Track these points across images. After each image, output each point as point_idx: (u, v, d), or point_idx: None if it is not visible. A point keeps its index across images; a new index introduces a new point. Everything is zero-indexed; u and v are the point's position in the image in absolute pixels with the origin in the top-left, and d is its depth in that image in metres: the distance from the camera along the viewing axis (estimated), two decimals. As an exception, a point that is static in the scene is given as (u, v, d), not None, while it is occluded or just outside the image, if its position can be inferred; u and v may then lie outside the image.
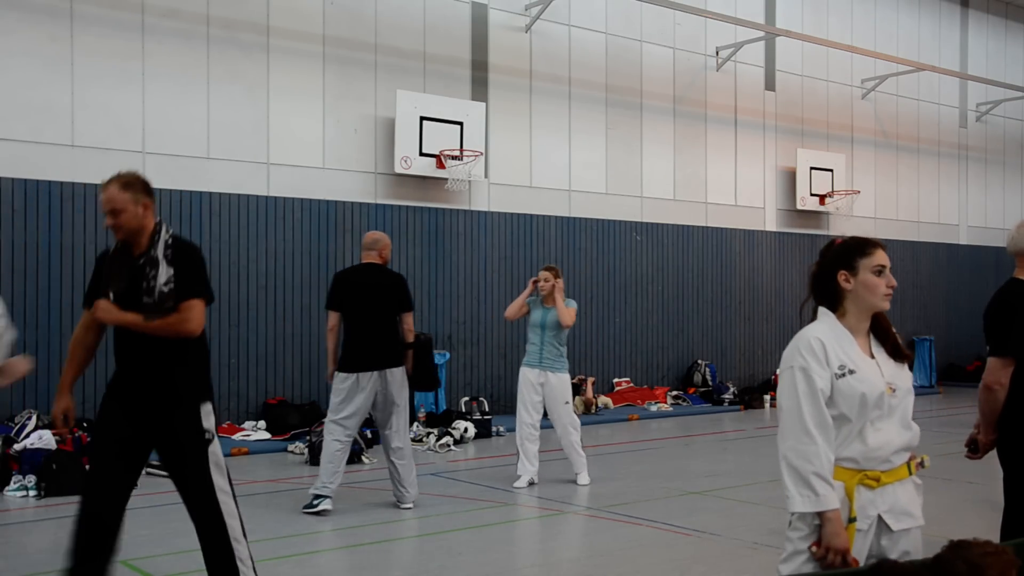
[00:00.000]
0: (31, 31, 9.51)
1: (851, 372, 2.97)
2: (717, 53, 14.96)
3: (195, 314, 4.05)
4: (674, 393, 14.03)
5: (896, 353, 3.12)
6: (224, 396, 10.50)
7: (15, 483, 7.67)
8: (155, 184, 10.86)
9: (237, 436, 10.10)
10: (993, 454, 4.40)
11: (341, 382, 6.94)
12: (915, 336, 17.32)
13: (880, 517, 2.98)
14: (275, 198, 10.91)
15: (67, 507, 7.29)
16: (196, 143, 10.42)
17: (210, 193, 10.47)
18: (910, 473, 3.07)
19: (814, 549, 2.91)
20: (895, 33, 17.60)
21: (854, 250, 3.09)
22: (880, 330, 3.14)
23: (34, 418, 8.83)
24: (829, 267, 3.11)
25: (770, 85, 15.74)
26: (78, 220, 9.68)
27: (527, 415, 8.05)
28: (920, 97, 18.06)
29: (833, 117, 16.67)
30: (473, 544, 6.16)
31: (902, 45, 17.59)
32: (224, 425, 10.41)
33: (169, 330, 4.03)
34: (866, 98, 17.15)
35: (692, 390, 14.26)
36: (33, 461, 7.75)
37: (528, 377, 8.08)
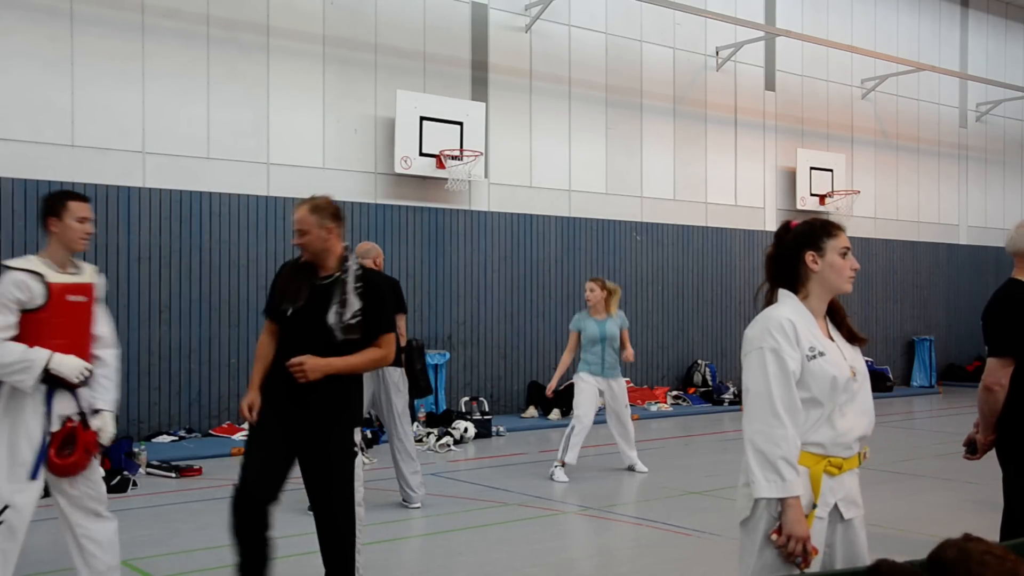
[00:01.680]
0: (31, 31, 9.51)
1: (821, 354, 2.93)
2: (717, 53, 14.96)
3: (392, 347, 4.36)
4: (674, 393, 14.03)
5: (852, 336, 3.09)
6: (224, 396, 10.51)
7: (15, 483, 7.65)
8: (155, 184, 10.85)
9: (237, 436, 10.09)
10: (992, 454, 4.40)
11: None
12: (915, 336, 17.32)
13: (836, 505, 2.96)
14: (275, 198, 10.91)
15: (67, 507, 7.29)
16: (196, 143, 10.42)
17: (210, 193, 10.47)
18: (859, 462, 3.05)
19: (774, 537, 2.86)
20: (895, 33, 17.60)
21: (820, 231, 3.04)
22: (835, 313, 3.11)
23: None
24: (793, 248, 3.05)
25: (770, 85, 15.74)
26: (78, 220, 9.67)
27: (587, 418, 8.43)
28: (920, 97, 18.06)
29: (833, 117, 16.67)
30: (473, 544, 6.16)
31: (902, 45, 17.59)
32: (224, 425, 10.42)
33: (372, 366, 4.39)
34: (866, 98, 17.15)
35: (692, 390, 14.26)
36: (33, 461, 7.74)
37: (592, 383, 8.51)
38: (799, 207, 15.72)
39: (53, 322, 4.17)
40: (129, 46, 10.03)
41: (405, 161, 11.55)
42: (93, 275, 4.43)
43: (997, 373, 4.18)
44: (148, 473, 8.42)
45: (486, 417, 11.30)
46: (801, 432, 2.91)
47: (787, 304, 3.03)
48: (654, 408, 13.26)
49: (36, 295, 4.13)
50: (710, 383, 14.34)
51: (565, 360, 8.70)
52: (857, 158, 16.98)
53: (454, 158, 11.77)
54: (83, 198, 4.39)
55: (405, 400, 7.15)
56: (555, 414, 12.16)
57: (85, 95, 9.77)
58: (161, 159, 10.19)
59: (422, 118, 11.62)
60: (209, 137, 10.50)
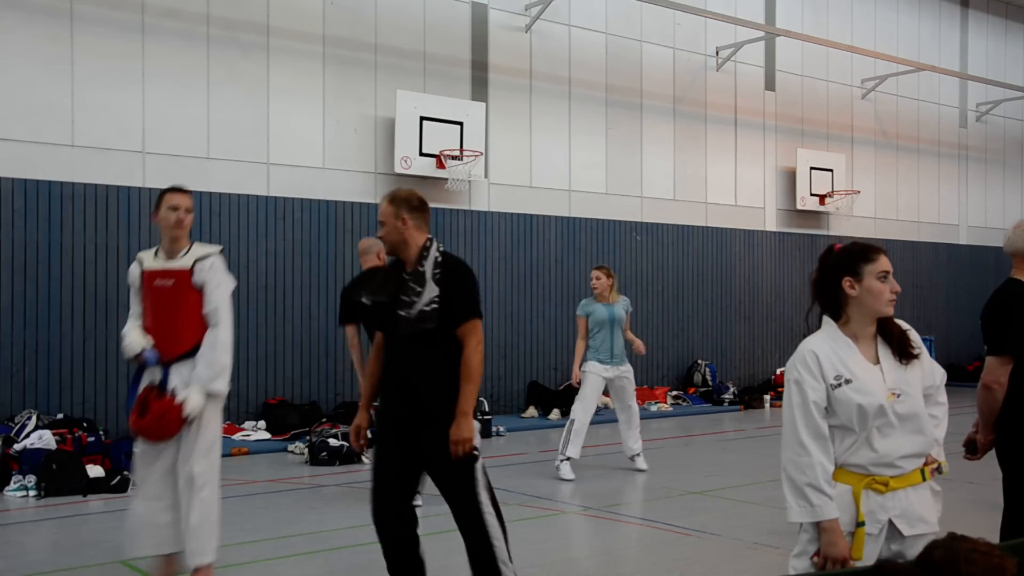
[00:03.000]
0: (31, 31, 9.51)
1: (847, 382, 2.97)
2: (717, 53, 14.96)
3: (479, 335, 4.14)
4: (674, 393, 14.03)
5: (902, 354, 3.09)
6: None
7: (15, 483, 7.67)
8: (155, 184, 10.80)
9: (237, 436, 10.10)
10: (992, 454, 4.40)
11: None
12: (915, 336, 17.30)
13: (891, 522, 2.97)
14: (275, 198, 10.91)
15: (67, 507, 7.31)
16: (196, 143, 10.42)
17: (210, 193, 10.47)
18: (924, 478, 3.05)
19: (815, 560, 2.94)
20: (895, 33, 17.60)
21: (858, 256, 3.09)
22: (887, 333, 3.12)
23: (34, 418, 8.82)
24: (832, 273, 3.10)
25: (770, 85, 15.74)
26: (78, 220, 9.68)
27: (591, 410, 8.57)
28: (920, 97, 18.06)
29: (833, 117, 16.67)
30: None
31: (902, 45, 17.59)
32: (224, 425, 10.39)
33: (480, 365, 4.12)
34: (866, 98, 17.15)
35: (692, 390, 14.26)
36: (33, 461, 7.75)
37: (600, 373, 8.57)
38: (799, 207, 15.72)
39: (145, 304, 4.83)
40: (129, 46, 10.03)
41: (405, 161, 11.54)
42: (193, 260, 4.83)
43: (996, 372, 4.19)
44: (148, 473, 8.40)
45: (486, 417, 11.30)
46: (839, 454, 2.99)
47: (822, 333, 3.10)
48: (654, 408, 13.26)
49: (135, 280, 4.85)
50: (710, 383, 14.33)
51: (580, 347, 8.76)
52: (857, 158, 16.98)
53: (454, 158, 11.77)
54: (178, 189, 4.89)
55: None
56: (555, 414, 12.16)
57: (85, 95, 9.77)
58: (161, 159, 10.19)
59: (422, 118, 11.62)
60: (209, 137, 10.50)
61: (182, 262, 4.76)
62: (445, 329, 4.08)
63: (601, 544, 6.42)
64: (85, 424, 9.11)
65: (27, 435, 8.24)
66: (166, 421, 4.62)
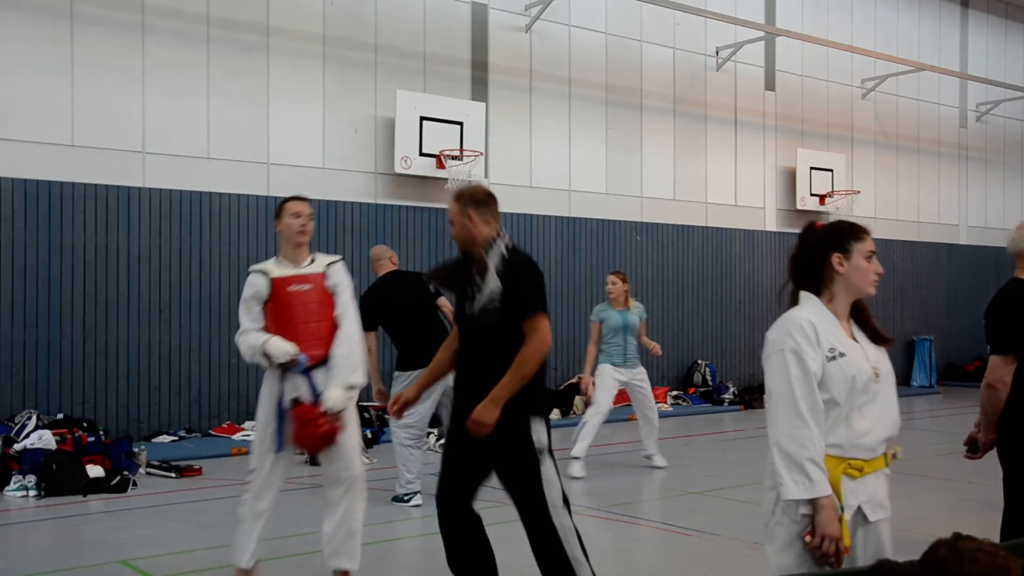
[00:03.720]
0: (31, 31, 9.51)
1: (841, 355, 2.92)
2: (717, 53, 14.96)
3: (542, 333, 4.00)
4: (674, 393, 14.03)
5: (877, 337, 3.09)
6: (224, 396, 10.51)
7: (15, 483, 7.66)
8: (155, 184, 10.78)
9: (237, 436, 10.10)
10: (993, 454, 4.40)
11: (401, 381, 7.24)
12: (915, 336, 17.31)
13: (859, 508, 2.96)
14: (275, 198, 10.88)
15: (67, 507, 7.30)
16: (196, 143, 10.42)
17: (210, 193, 10.47)
18: (887, 464, 3.05)
19: (808, 539, 2.86)
20: (895, 33, 17.60)
21: (847, 233, 3.05)
22: (859, 314, 3.11)
23: (34, 418, 8.83)
24: (819, 249, 3.05)
25: (770, 85, 15.74)
26: (78, 220, 9.68)
27: (601, 414, 8.71)
28: (920, 97, 18.06)
29: (833, 117, 16.67)
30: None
31: (902, 45, 17.59)
32: (224, 425, 10.41)
33: (535, 359, 3.98)
34: (866, 98, 17.15)
35: (692, 390, 14.26)
36: (33, 461, 7.75)
37: (613, 375, 8.74)
38: (799, 207, 15.72)
39: (277, 312, 4.78)
40: (129, 46, 10.03)
41: (405, 161, 11.54)
42: (324, 265, 4.92)
43: (1000, 371, 4.19)
44: (148, 473, 8.42)
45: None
46: (824, 433, 2.92)
47: (808, 306, 3.03)
48: (654, 408, 13.26)
49: (262, 290, 4.79)
50: (710, 383, 14.34)
51: (591, 352, 8.88)
52: (857, 158, 16.98)
53: (454, 158, 11.76)
54: (300, 198, 5.00)
55: None
56: (555, 414, 12.16)
57: (85, 95, 9.77)
58: (161, 159, 10.19)
59: (422, 118, 11.62)
60: (209, 137, 10.50)
61: (314, 267, 4.92)
62: (509, 326, 4.00)
63: (601, 544, 6.42)
64: (85, 424, 9.11)
65: (27, 435, 8.24)
66: (331, 429, 4.67)
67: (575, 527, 4.09)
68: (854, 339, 3.04)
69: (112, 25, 9.95)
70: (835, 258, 3.02)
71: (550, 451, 4.09)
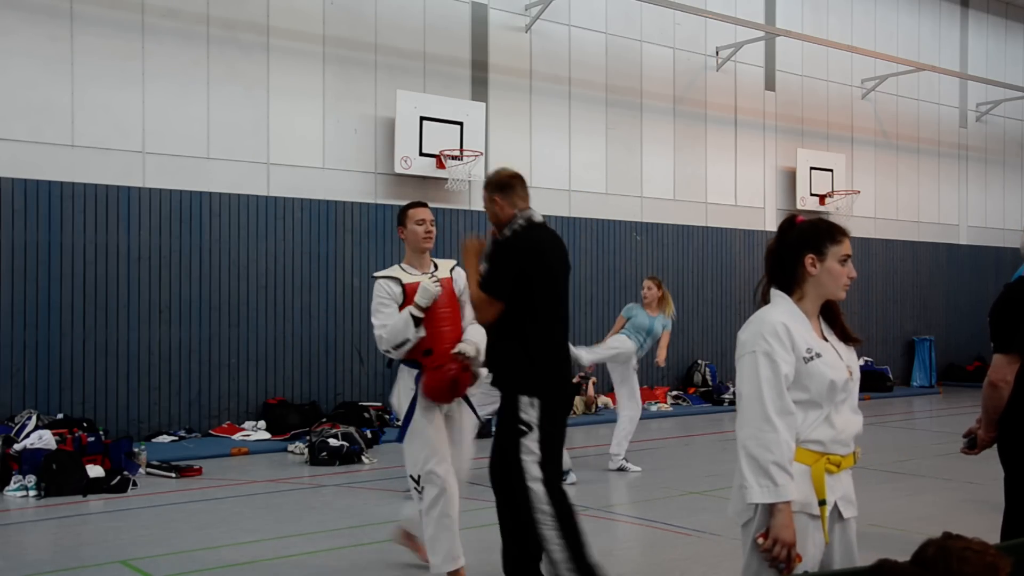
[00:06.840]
0: (31, 31, 9.51)
1: (818, 355, 2.90)
2: (717, 53, 14.96)
3: (483, 311, 4.41)
4: (674, 393, 14.03)
5: (845, 336, 3.07)
6: (224, 396, 10.51)
7: (15, 483, 7.66)
8: (155, 184, 10.78)
9: (237, 436, 10.10)
10: (992, 453, 4.39)
11: None
12: (915, 336, 17.32)
13: (835, 504, 2.96)
14: (275, 198, 10.91)
15: (67, 507, 7.31)
16: (196, 143, 10.42)
17: (210, 193, 10.47)
18: (855, 461, 3.04)
19: (760, 540, 2.85)
20: (895, 33, 17.60)
21: (824, 235, 2.99)
22: (829, 313, 3.08)
23: (34, 418, 8.83)
24: (795, 248, 3.00)
25: (770, 85, 15.74)
26: (78, 220, 9.68)
27: (638, 400, 9.14)
28: (920, 97, 18.06)
29: (833, 117, 16.67)
30: (473, 544, 6.16)
31: (902, 45, 17.59)
32: (224, 425, 10.41)
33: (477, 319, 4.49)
34: (866, 98, 17.15)
35: (692, 390, 14.26)
36: (33, 461, 7.75)
37: (629, 349, 8.90)
38: (799, 207, 15.71)
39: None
40: (129, 46, 10.03)
41: (405, 161, 11.54)
42: (449, 270, 5.11)
43: (1003, 370, 4.19)
44: (148, 473, 8.42)
45: (486, 417, 11.28)
46: (801, 431, 2.90)
47: (780, 306, 2.99)
48: (654, 408, 13.25)
49: (396, 295, 4.85)
50: (710, 383, 14.34)
51: (610, 333, 9.08)
52: (857, 158, 16.98)
53: (454, 158, 11.77)
54: (422, 204, 5.17)
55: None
56: (555, 414, 12.14)
57: (85, 95, 9.77)
58: (161, 159, 10.19)
59: (422, 118, 11.62)
60: (209, 137, 10.50)
61: (441, 272, 5.07)
62: (509, 304, 4.32)
63: (601, 544, 6.41)
64: (85, 424, 9.11)
65: (27, 435, 8.24)
66: (461, 375, 4.80)
67: (553, 509, 4.26)
68: (824, 338, 3.02)
69: (112, 25, 9.95)
70: (808, 259, 2.97)
71: (541, 429, 4.30)
